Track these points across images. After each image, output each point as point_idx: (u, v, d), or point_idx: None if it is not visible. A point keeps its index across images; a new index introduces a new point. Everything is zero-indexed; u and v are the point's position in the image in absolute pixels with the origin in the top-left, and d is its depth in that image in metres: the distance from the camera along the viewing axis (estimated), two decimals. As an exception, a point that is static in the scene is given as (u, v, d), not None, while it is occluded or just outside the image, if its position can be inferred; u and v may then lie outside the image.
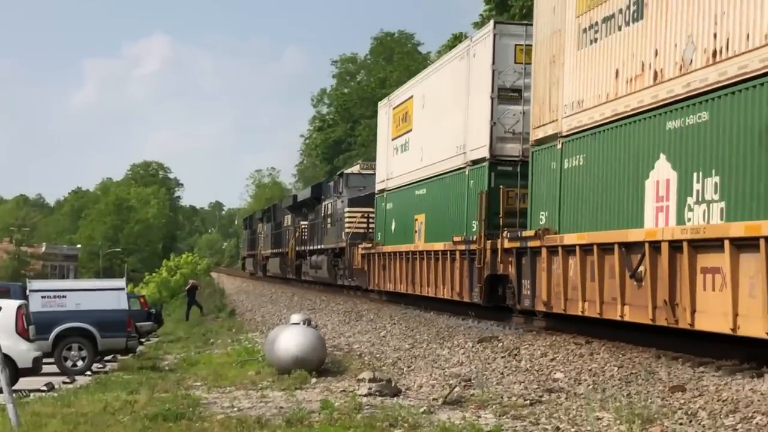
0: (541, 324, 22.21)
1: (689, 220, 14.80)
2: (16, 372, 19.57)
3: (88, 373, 24.21)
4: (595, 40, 18.30)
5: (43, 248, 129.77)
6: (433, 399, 13.77)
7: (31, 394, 18.17)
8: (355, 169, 44.96)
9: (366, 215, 39.90)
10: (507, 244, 22.51)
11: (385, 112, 35.79)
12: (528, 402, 12.95)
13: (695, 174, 14.71)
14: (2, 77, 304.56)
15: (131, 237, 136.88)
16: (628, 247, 16.50)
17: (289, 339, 18.30)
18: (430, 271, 28.55)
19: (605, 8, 17.93)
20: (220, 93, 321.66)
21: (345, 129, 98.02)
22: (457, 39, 63.70)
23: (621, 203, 17.08)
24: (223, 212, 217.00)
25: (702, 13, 14.70)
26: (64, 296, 24.86)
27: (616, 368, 15.45)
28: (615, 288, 17.09)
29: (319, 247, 48.36)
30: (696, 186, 14.68)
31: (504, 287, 23.51)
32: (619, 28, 17.40)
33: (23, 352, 20.23)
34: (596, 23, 18.34)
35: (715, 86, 14.29)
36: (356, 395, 14.31)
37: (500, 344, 19.48)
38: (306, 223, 53.02)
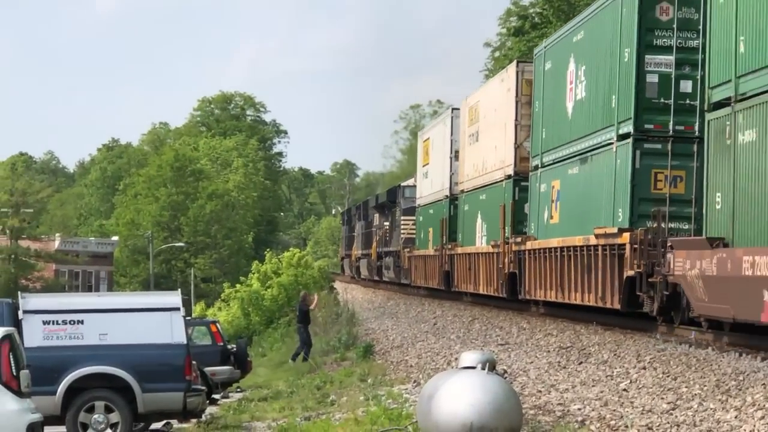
0: None
1: (481, 243, 48.42)
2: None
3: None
4: (471, 143, 50.14)
5: (57, 243, 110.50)
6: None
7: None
8: (411, 181, 67.68)
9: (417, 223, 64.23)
10: None
11: (419, 143, 65.63)
12: None
13: (484, 222, 48.06)
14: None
15: (201, 223, 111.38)
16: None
17: (458, 394, 17.56)
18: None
19: (472, 129, 49.95)
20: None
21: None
22: None
23: (472, 229, 50.74)
24: (358, 179, 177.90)
25: (483, 150, 48.49)
26: (82, 321, 23.48)
27: None
28: None
29: (389, 249, 70.34)
30: (484, 227, 47.99)
31: None
32: (474, 142, 49.59)
33: (11, 414, 18.58)
34: (471, 134, 49.98)
35: (485, 184, 48.04)
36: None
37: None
38: (387, 224, 73.21)
